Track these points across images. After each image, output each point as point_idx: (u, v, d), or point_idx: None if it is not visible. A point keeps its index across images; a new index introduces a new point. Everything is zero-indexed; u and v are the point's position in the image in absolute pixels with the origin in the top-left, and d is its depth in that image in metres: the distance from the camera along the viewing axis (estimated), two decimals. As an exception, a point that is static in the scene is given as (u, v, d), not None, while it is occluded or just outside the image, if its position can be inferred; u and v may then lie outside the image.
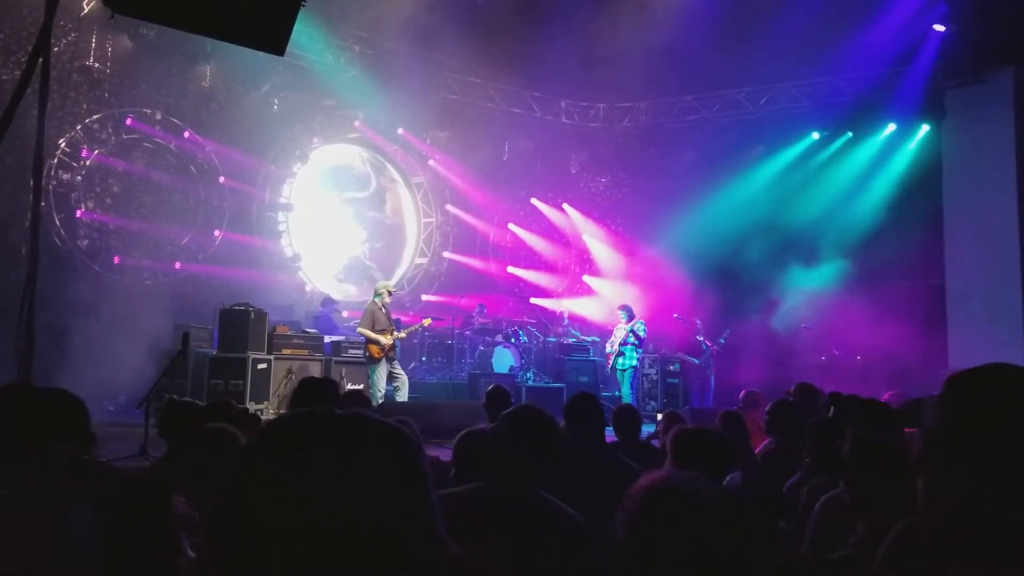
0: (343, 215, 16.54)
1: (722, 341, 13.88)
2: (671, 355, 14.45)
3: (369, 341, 10.65)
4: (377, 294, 11.03)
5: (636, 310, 13.36)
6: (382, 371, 10.60)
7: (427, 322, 12.30)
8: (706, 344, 13.81)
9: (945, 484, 1.20)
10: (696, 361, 13.68)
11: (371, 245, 16.85)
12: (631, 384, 12.95)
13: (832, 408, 5.66)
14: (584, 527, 2.81)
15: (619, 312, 13.36)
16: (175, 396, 6.19)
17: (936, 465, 1.22)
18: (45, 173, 11.11)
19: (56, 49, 11.74)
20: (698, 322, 13.96)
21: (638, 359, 13.13)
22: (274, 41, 4.62)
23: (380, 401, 10.25)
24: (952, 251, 14.39)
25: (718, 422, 5.51)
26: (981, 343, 13.18)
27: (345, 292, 15.92)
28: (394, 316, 12.99)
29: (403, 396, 10.78)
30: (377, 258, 16.90)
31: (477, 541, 2.58)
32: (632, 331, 12.91)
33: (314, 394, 4.36)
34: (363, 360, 11.05)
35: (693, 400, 13.49)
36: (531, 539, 2.69)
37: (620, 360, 12.91)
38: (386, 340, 10.60)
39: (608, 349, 13.25)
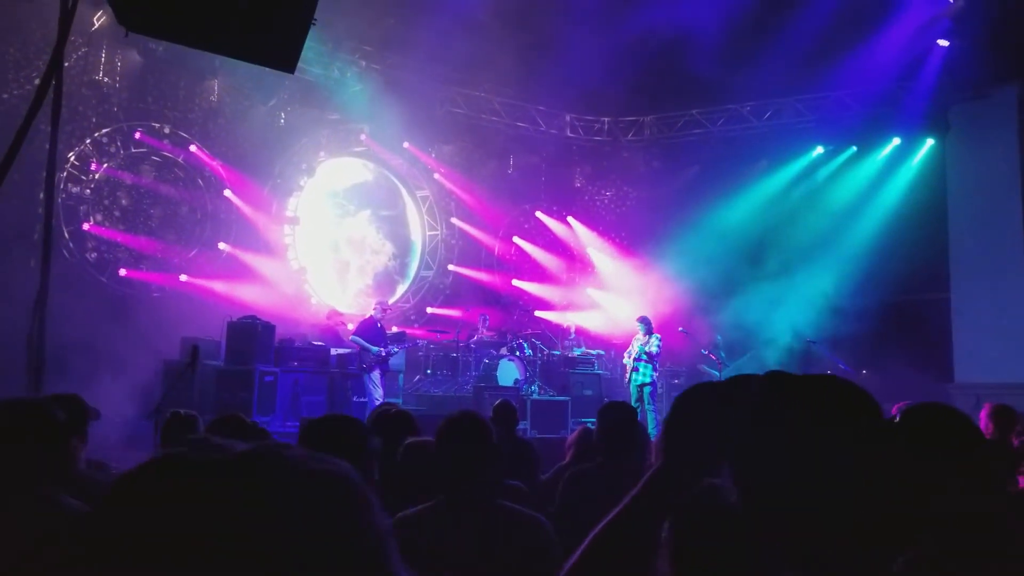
0: (372, 231, 16.65)
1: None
2: (679, 368, 14.39)
3: (363, 349, 11.61)
4: (374, 308, 12.17)
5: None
6: (376, 378, 11.53)
7: (421, 342, 13.33)
8: (726, 361, 13.55)
9: None
10: (717, 374, 13.45)
11: (401, 260, 17.05)
12: (651, 401, 12.30)
13: None
14: (546, 527, 2.81)
15: (637, 324, 12.71)
16: (181, 411, 6.20)
17: None
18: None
19: (66, 64, 11.79)
20: (719, 337, 13.83)
21: (653, 376, 12.41)
22: (285, 59, 4.65)
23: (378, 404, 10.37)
24: (957, 265, 14.39)
25: None
26: (986, 358, 13.18)
27: (367, 306, 15.91)
28: (399, 328, 13.34)
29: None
30: (403, 272, 17.14)
31: (439, 561, 2.60)
32: (644, 347, 12.34)
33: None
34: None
35: None
36: (493, 550, 2.68)
37: (635, 376, 12.35)
38: (378, 350, 11.61)
39: (625, 360, 12.67)
